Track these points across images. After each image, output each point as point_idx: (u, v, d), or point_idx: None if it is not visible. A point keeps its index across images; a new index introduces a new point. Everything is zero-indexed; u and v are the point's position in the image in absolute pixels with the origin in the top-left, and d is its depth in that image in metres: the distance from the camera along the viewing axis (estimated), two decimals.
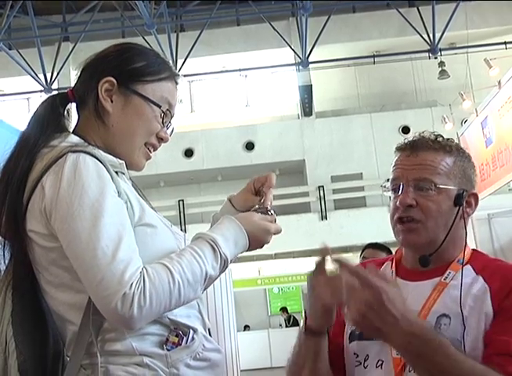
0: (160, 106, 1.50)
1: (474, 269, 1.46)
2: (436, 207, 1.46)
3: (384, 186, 1.55)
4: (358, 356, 1.51)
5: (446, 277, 1.46)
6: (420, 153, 1.50)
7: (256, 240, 1.46)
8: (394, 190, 1.52)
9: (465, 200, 1.48)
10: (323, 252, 1.40)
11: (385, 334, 1.26)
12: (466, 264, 1.47)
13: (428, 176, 1.47)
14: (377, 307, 1.23)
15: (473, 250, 1.55)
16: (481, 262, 1.48)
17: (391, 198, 1.53)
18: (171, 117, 1.54)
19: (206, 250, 1.36)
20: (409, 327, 1.24)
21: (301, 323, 1.47)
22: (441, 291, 1.44)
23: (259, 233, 1.46)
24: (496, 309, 1.37)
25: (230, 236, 1.41)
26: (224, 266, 1.38)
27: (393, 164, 1.55)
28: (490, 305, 1.38)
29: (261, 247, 1.50)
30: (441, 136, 1.56)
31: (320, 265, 1.41)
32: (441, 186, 1.46)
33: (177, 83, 1.56)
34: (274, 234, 1.49)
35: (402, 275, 1.54)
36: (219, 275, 1.41)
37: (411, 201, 1.46)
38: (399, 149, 1.55)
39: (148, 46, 1.61)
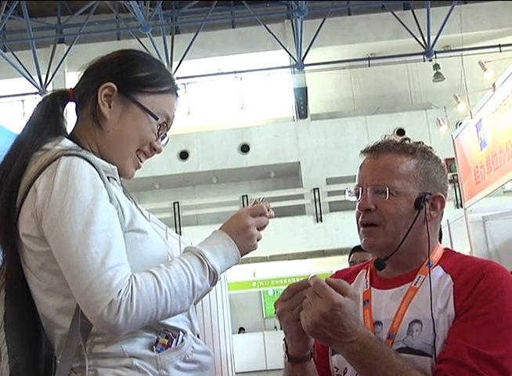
0: (157, 119, 1.50)
1: (443, 269, 1.46)
2: (395, 211, 1.45)
3: (350, 191, 1.56)
4: (338, 369, 1.52)
5: (416, 282, 1.46)
6: (381, 155, 1.50)
7: (245, 247, 1.45)
8: (357, 195, 1.53)
9: (429, 203, 1.48)
10: (299, 286, 1.35)
11: (334, 343, 1.32)
12: (436, 265, 1.47)
13: (385, 180, 1.47)
14: (330, 320, 1.27)
15: (445, 249, 1.55)
16: (451, 261, 1.48)
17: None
18: (167, 130, 1.55)
19: (194, 262, 1.36)
20: (354, 338, 1.29)
21: (283, 352, 1.44)
22: (412, 296, 1.44)
23: (245, 239, 1.45)
24: (458, 309, 1.37)
25: (219, 249, 1.40)
26: (214, 279, 1.38)
27: (358, 167, 1.56)
28: (453, 305, 1.38)
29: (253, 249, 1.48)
30: (409, 139, 1.55)
31: (286, 295, 1.37)
32: (398, 190, 1.45)
33: (177, 96, 1.56)
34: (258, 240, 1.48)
35: (376, 284, 1.54)
36: (210, 288, 1.41)
37: (369, 205, 1.47)
38: (363, 151, 1.56)
39: (143, 48, 1.61)
